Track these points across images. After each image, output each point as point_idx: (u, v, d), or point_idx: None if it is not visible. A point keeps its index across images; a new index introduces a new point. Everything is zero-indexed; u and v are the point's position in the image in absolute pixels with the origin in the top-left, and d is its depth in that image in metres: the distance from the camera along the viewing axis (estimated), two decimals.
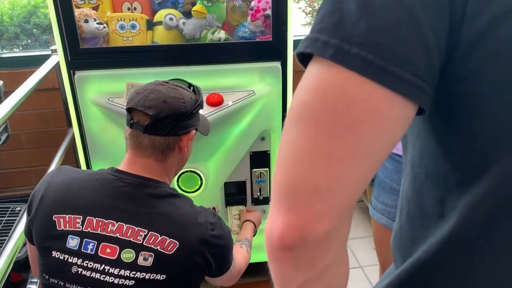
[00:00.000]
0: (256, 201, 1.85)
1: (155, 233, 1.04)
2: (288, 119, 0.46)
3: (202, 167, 1.68)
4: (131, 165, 1.13)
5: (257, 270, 2.05)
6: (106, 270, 1.03)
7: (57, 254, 1.06)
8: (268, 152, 1.77)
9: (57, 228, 1.07)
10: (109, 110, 1.57)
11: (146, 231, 1.04)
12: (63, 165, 1.23)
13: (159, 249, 1.03)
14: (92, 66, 1.57)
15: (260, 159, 1.77)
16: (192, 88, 1.27)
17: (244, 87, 1.63)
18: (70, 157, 2.26)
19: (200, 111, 1.51)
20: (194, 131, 1.19)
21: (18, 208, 2.20)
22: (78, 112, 1.61)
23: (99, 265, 1.03)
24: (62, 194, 1.10)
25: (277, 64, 1.63)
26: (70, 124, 2.26)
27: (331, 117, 0.42)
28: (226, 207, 1.82)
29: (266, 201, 1.86)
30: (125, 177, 1.10)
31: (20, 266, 1.94)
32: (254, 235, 1.65)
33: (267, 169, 1.79)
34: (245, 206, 1.84)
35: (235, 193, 1.82)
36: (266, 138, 1.74)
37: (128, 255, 1.04)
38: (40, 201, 1.11)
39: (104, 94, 1.58)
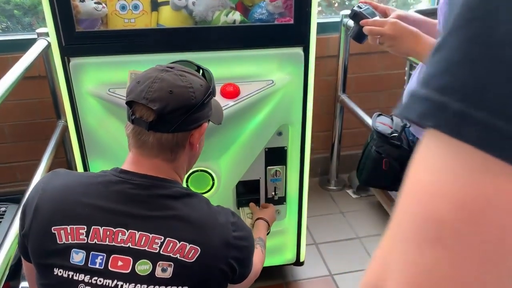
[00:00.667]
0: (271, 201, 1.69)
1: (173, 240, 0.91)
2: (408, 231, 0.33)
3: (214, 166, 1.51)
4: (137, 166, 0.99)
5: (270, 274, 1.91)
6: (119, 286, 0.90)
7: (60, 272, 0.92)
8: (285, 148, 1.60)
9: (58, 242, 0.92)
10: (109, 102, 1.38)
11: (163, 237, 0.91)
12: (58, 169, 1.06)
13: (178, 257, 0.91)
14: (89, 52, 1.37)
15: (276, 155, 1.61)
16: (201, 72, 1.10)
17: (262, 77, 1.46)
18: (61, 152, 2.06)
19: None
20: (206, 124, 1.03)
21: (2, 209, 2.00)
22: (74, 104, 1.41)
23: (110, 281, 0.90)
24: (60, 202, 0.96)
25: (299, 50, 1.45)
26: (59, 116, 2.06)
27: (489, 246, 0.31)
28: (238, 208, 1.66)
29: (281, 201, 1.70)
30: (133, 178, 0.96)
31: (8, 275, 1.75)
32: (267, 233, 1.51)
33: (283, 166, 1.63)
34: (259, 206, 1.68)
35: (247, 192, 1.65)
36: (284, 133, 1.57)
37: (143, 267, 0.90)
38: (34, 212, 0.95)
39: (103, 85, 1.39)
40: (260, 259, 1.30)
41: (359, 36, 1.24)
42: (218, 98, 1.40)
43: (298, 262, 1.86)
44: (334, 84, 2.44)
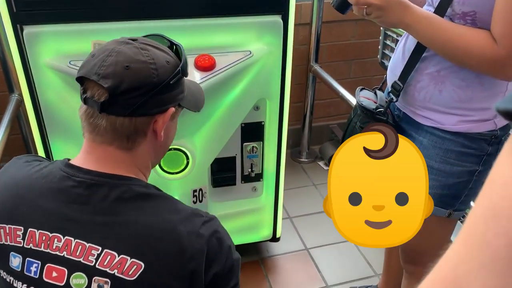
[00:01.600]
0: (247, 178, 1.63)
1: (111, 252, 0.77)
2: (497, 257, 0.26)
3: (189, 144, 1.41)
4: (88, 156, 0.84)
5: (245, 251, 1.87)
6: None
7: (4, 275, 0.82)
8: (263, 123, 1.53)
9: None
10: (71, 76, 1.24)
11: (100, 248, 0.78)
12: (22, 155, 0.93)
13: (116, 273, 0.77)
14: (46, 19, 1.22)
15: (252, 131, 1.53)
16: (174, 48, 0.93)
17: (239, 47, 1.36)
18: (17, 128, 1.89)
19: (188, 78, 1.23)
20: (173, 109, 0.86)
21: None
22: (30, 78, 1.26)
23: None
24: (4, 196, 0.84)
25: (278, 18, 1.36)
26: (11, 89, 1.88)
27: None
28: (214, 187, 1.59)
29: (258, 177, 1.64)
30: (76, 173, 0.81)
31: None
32: None
33: (260, 142, 1.56)
34: (235, 184, 1.61)
35: (223, 170, 1.57)
36: (261, 108, 1.49)
37: (79, 281, 0.78)
38: None
39: (63, 56, 1.25)
40: None
41: (342, 5, 1.15)
42: (192, 70, 1.29)
43: (274, 238, 1.82)
44: (307, 54, 2.36)
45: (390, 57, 1.99)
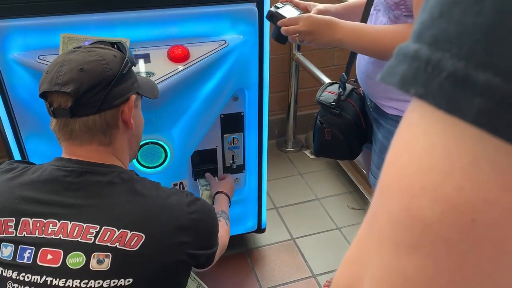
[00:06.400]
0: (229, 170, 1.61)
1: (111, 228, 0.85)
2: (384, 229, 0.27)
3: (166, 137, 1.38)
4: (72, 156, 0.92)
5: (231, 243, 1.84)
6: (49, 283, 0.82)
7: None
8: (242, 114, 1.50)
9: None
10: (41, 71, 1.21)
11: (98, 227, 0.85)
12: (15, 161, 1.00)
13: (118, 246, 0.84)
14: (12, 12, 1.17)
15: (232, 122, 1.51)
16: (115, 46, 1.00)
17: (213, 37, 1.33)
18: None
19: (162, 70, 1.24)
20: (134, 96, 0.95)
21: None
22: None
23: (38, 277, 0.82)
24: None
25: (252, 6, 1.33)
26: None
27: (484, 260, 0.24)
28: (196, 180, 1.57)
29: (240, 169, 1.62)
30: (66, 164, 0.90)
31: None
32: (229, 206, 1.44)
33: (241, 133, 1.54)
34: (217, 176, 1.59)
35: (204, 162, 1.56)
36: (240, 98, 1.47)
37: (76, 260, 0.83)
38: None
39: (32, 51, 1.21)
40: (226, 231, 1.26)
41: (280, 37, 1.18)
42: (165, 62, 1.27)
43: (259, 230, 1.81)
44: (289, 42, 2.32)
45: None
